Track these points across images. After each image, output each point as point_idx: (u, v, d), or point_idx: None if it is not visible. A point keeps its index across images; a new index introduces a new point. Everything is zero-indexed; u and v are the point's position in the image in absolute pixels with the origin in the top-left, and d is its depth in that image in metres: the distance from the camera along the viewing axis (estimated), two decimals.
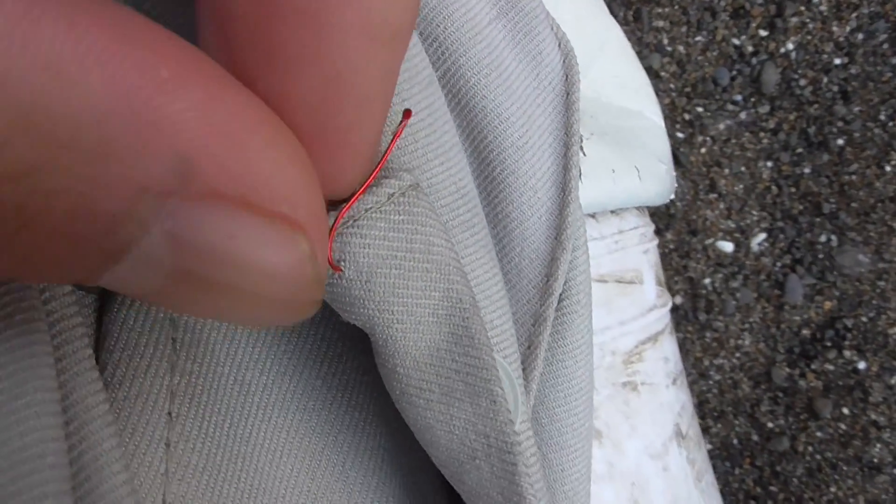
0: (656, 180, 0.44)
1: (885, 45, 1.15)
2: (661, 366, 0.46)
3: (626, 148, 0.44)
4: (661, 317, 0.46)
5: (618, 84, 0.49)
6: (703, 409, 1.18)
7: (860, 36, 1.16)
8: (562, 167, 0.27)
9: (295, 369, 0.24)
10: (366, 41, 0.15)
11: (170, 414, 0.21)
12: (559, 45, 0.27)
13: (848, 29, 1.16)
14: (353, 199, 0.19)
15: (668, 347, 0.47)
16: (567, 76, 0.27)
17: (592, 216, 0.42)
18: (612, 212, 0.44)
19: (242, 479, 0.23)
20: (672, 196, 0.54)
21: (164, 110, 0.11)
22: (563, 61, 0.27)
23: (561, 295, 0.27)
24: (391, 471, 0.26)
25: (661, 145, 0.48)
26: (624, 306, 0.43)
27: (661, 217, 1.18)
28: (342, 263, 0.19)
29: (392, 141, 0.20)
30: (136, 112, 0.11)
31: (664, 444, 0.44)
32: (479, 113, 0.25)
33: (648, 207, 0.49)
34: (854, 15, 1.16)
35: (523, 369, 0.26)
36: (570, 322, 0.27)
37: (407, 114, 0.20)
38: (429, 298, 0.19)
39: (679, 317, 1.18)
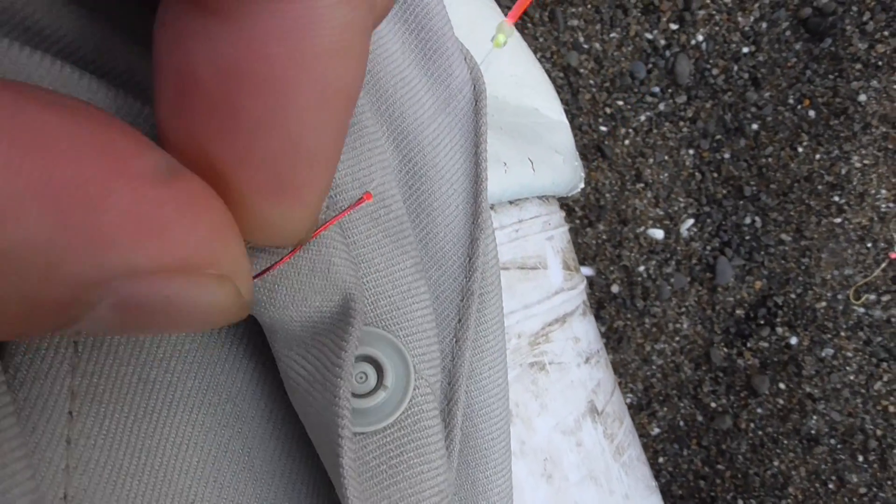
0: (551, 171, 0.46)
1: (788, 33, 1.20)
2: (570, 346, 0.47)
3: (521, 141, 0.46)
4: (569, 299, 0.48)
5: (515, 83, 0.52)
6: (648, 394, 1.20)
7: (764, 25, 1.20)
8: (473, 162, 0.30)
9: (199, 366, 0.25)
10: (322, 106, 0.16)
11: (70, 413, 0.22)
12: (465, 59, 0.30)
13: (752, 18, 1.20)
14: (295, 250, 0.22)
15: (580, 328, 0.49)
16: (475, 86, 0.30)
17: (491, 207, 0.44)
18: (512, 202, 0.45)
19: (146, 472, 0.24)
20: (581, 186, 0.56)
21: (97, 224, 0.13)
22: (471, 73, 0.30)
23: None
24: (299, 458, 0.27)
25: (559, 138, 0.50)
26: (527, 291, 0.45)
27: (592, 209, 1.21)
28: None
29: (346, 210, 0.23)
30: (74, 232, 0.13)
31: (576, 421, 0.46)
32: (399, 118, 0.28)
33: (562, 198, 0.51)
34: (756, 5, 1.20)
35: (456, 340, 0.29)
36: (486, 301, 0.30)
37: (367, 196, 0.23)
38: (326, 305, 0.22)
39: (617, 305, 1.20)
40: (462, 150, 0.29)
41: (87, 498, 0.22)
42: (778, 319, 1.17)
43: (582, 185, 0.56)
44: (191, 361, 0.25)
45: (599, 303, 1.20)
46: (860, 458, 1.13)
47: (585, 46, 1.22)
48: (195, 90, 0.15)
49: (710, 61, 1.21)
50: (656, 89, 1.22)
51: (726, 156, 1.21)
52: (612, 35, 1.22)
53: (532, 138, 0.48)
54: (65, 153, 0.13)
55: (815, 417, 1.15)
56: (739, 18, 1.20)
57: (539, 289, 0.46)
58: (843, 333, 1.15)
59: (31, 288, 0.13)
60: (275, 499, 0.26)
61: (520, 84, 0.52)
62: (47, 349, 0.22)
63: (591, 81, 1.22)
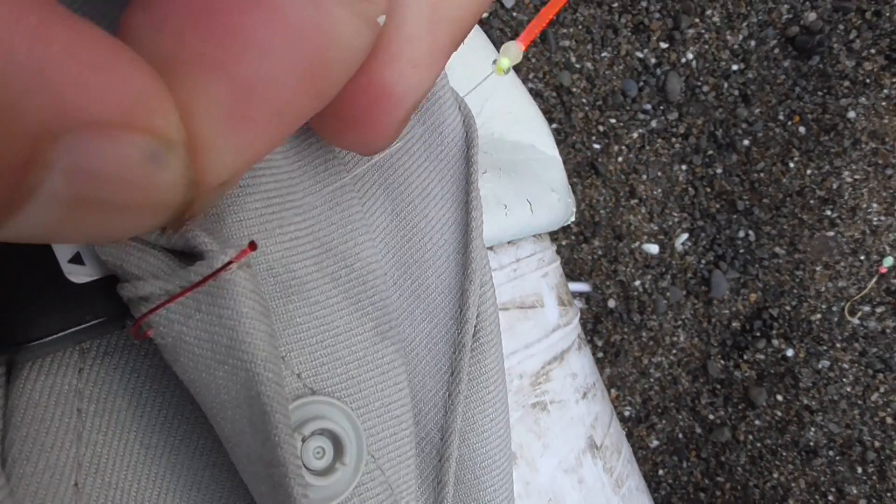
0: (548, 210, 0.47)
1: (776, 50, 1.21)
2: (569, 382, 0.48)
3: (518, 181, 0.46)
4: (565, 335, 0.48)
5: (511, 119, 0.52)
6: (647, 406, 1.21)
7: (753, 43, 1.21)
8: (464, 211, 0.29)
9: (203, 427, 0.24)
10: (307, 84, 0.16)
11: (76, 484, 0.22)
12: (459, 107, 0.30)
13: (741, 37, 1.21)
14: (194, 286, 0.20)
15: (576, 363, 0.49)
16: (467, 134, 0.30)
17: (490, 248, 0.44)
18: (509, 242, 0.46)
19: (156, 466, 0.24)
20: (572, 219, 0.57)
21: (44, 59, 0.13)
22: (464, 122, 0.30)
23: (476, 326, 0.29)
24: None
25: (553, 175, 0.51)
26: (527, 330, 0.45)
27: (587, 225, 1.22)
28: (154, 331, 0.20)
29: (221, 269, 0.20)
30: (25, 69, 0.13)
31: (577, 458, 0.46)
32: (389, 168, 0.28)
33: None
34: (744, 24, 1.21)
35: (448, 394, 0.28)
36: (486, 351, 0.30)
37: (251, 245, 0.20)
38: (232, 384, 0.21)
39: (614, 319, 1.20)
40: (453, 200, 0.29)
41: (97, 486, 0.23)
42: (774, 332, 1.18)
43: (573, 218, 0.56)
44: (192, 422, 0.24)
45: (596, 317, 1.21)
46: (859, 470, 1.14)
47: (577, 66, 1.22)
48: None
49: (701, 79, 1.22)
50: (648, 106, 1.23)
51: (718, 171, 1.22)
52: (603, 55, 1.23)
53: (529, 177, 0.48)
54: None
55: (813, 429, 1.15)
56: (728, 37, 1.21)
57: (538, 327, 0.46)
58: (838, 345, 1.16)
59: None
60: None
61: (516, 121, 0.52)
62: (52, 418, 0.22)
63: (584, 100, 1.22)
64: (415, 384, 0.29)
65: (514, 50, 0.30)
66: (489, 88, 0.50)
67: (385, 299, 0.27)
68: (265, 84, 0.16)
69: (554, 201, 0.48)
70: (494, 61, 0.36)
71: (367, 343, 0.26)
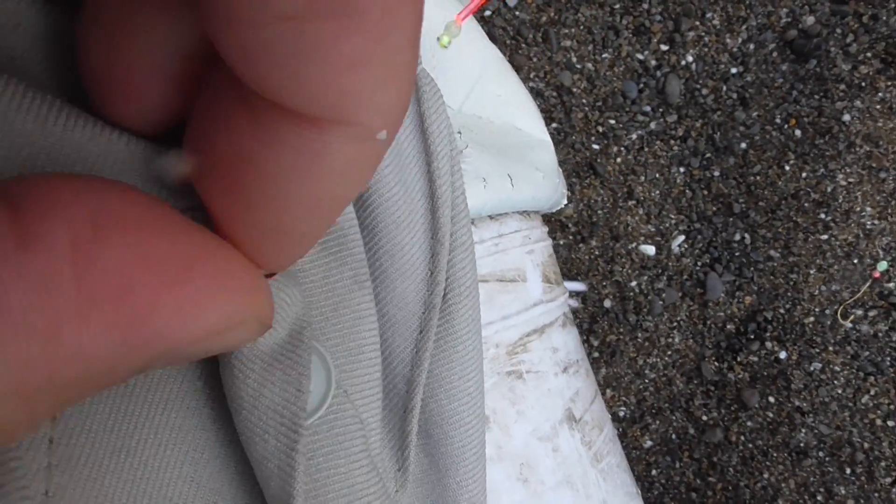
0: (531, 186, 0.48)
1: (775, 54, 1.22)
2: (548, 355, 0.49)
3: (502, 158, 0.47)
4: (548, 311, 0.49)
5: (500, 102, 0.53)
6: (641, 407, 1.22)
7: (751, 46, 1.22)
8: (427, 180, 0.31)
9: (178, 372, 0.26)
10: (314, 210, 0.18)
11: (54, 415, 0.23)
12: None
13: (740, 40, 1.22)
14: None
15: (558, 339, 0.50)
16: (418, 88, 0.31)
17: (472, 222, 0.45)
18: (492, 218, 0.47)
19: (126, 469, 0.25)
20: (564, 202, 0.58)
21: (150, 325, 0.15)
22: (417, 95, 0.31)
23: (445, 289, 0.31)
24: None
25: (540, 156, 0.52)
26: (506, 302, 0.46)
27: (585, 225, 1.23)
28: None
29: None
30: (132, 337, 0.15)
31: (553, 428, 0.47)
32: None
33: (552, 214, 0.53)
34: (744, 27, 1.22)
35: (416, 350, 0.30)
36: (455, 312, 0.31)
37: None
38: (291, 307, 0.24)
39: (610, 319, 1.21)
40: (417, 170, 0.31)
41: (67, 494, 0.23)
42: (767, 334, 1.18)
43: (565, 202, 0.57)
44: (170, 368, 0.26)
45: (592, 317, 1.22)
46: (848, 471, 1.14)
47: (578, 66, 1.24)
48: (217, 165, 0.18)
49: (700, 81, 1.23)
50: (647, 108, 1.24)
51: (716, 174, 1.23)
52: (604, 56, 1.24)
53: (513, 156, 0.49)
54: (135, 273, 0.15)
55: (803, 431, 1.16)
56: (728, 40, 1.23)
57: (518, 301, 0.47)
58: (831, 348, 1.17)
59: (95, 377, 0.15)
60: (251, 498, 0.27)
61: (505, 103, 0.53)
62: None
63: (584, 100, 1.24)
64: (384, 339, 0.30)
65: (454, 28, 0.31)
66: (477, 71, 0.52)
67: (362, 252, 0.29)
68: (279, 234, 0.19)
69: (538, 179, 0.49)
70: (438, 38, 0.37)
71: (345, 290, 0.27)
